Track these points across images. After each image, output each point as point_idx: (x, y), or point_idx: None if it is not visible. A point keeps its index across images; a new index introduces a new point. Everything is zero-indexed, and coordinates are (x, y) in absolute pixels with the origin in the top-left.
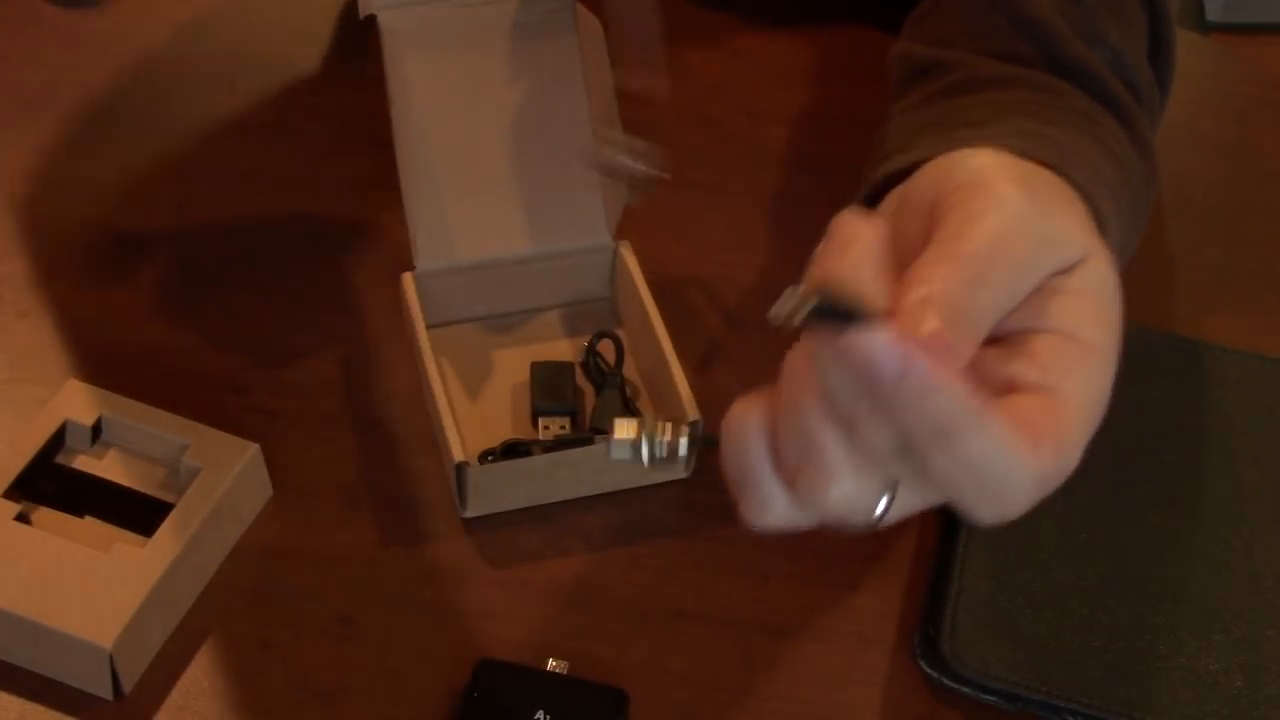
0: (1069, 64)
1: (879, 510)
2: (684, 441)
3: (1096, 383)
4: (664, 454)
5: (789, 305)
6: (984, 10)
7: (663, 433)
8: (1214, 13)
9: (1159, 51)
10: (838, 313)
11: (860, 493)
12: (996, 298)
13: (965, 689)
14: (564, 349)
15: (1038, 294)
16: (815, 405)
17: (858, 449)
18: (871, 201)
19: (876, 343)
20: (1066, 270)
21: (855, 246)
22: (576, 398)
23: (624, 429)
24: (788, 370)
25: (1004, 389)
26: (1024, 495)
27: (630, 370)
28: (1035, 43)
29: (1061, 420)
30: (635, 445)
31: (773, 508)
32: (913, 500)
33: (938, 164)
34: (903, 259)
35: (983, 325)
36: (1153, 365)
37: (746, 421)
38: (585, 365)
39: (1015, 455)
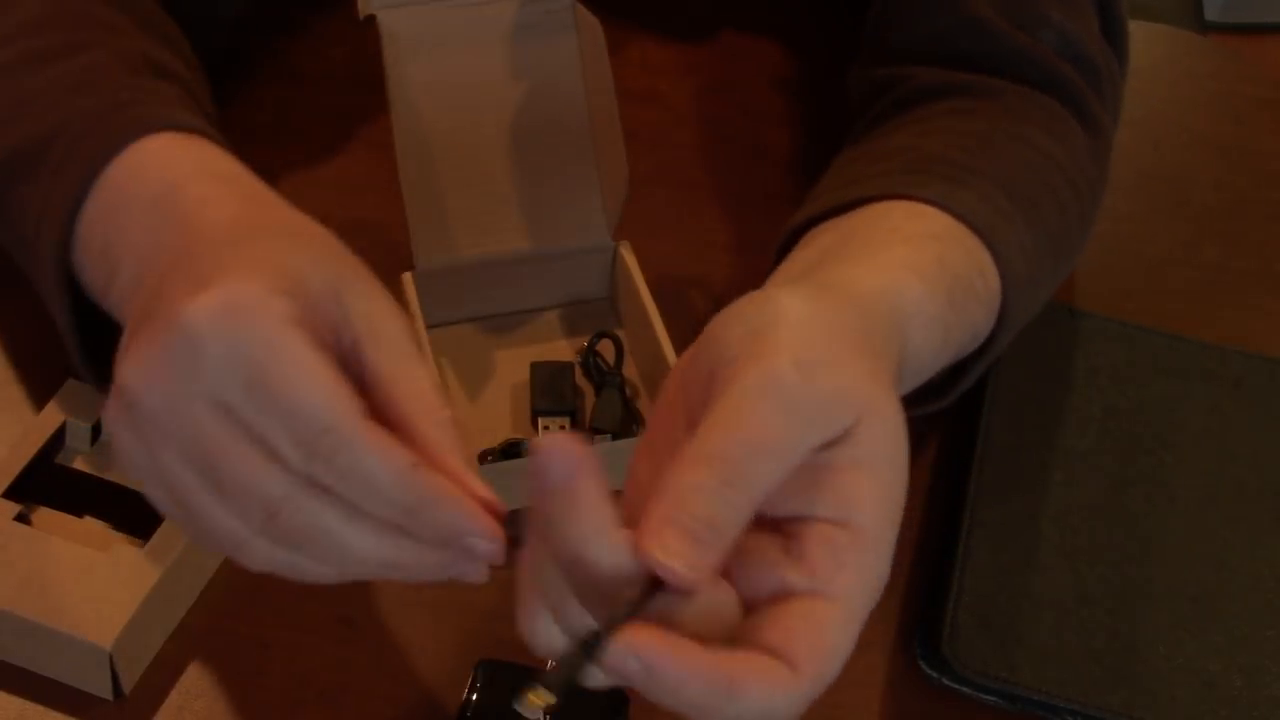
0: (1008, 56)
1: None
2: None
3: (870, 569)
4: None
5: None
6: (930, 14)
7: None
8: (1214, 13)
9: (1109, 25)
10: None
11: None
12: (752, 494)
13: (965, 689)
14: (564, 349)
15: (809, 470)
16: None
17: None
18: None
19: (622, 660)
20: (839, 439)
21: (579, 505)
22: (576, 398)
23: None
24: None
25: (776, 595)
26: (790, 716)
27: (630, 370)
28: (974, 40)
29: (827, 631)
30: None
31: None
32: None
33: (723, 320)
34: (690, 416)
35: (737, 524)
36: (1153, 365)
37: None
38: (585, 365)
39: (777, 696)
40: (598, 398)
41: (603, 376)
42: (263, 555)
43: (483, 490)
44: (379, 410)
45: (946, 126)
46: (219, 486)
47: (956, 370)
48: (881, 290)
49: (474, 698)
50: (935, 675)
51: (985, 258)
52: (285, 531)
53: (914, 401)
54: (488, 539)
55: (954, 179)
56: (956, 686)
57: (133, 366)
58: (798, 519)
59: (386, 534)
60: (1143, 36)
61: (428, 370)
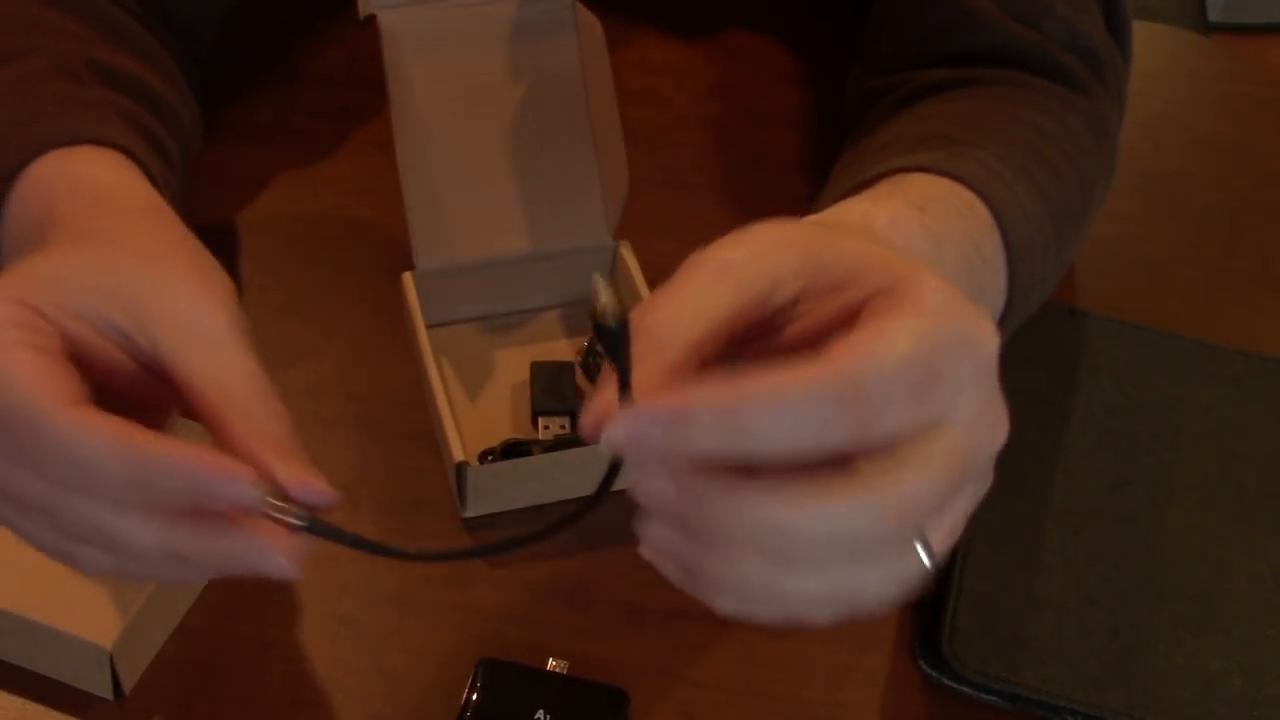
0: (1010, 47)
1: (923, 555)
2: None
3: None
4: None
5: (603, 298)
6: (931, 9)
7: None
8: (1214, 13)
9: (1113, 19)
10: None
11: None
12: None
13: (965, 689)
14: (564, 349)
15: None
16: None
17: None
18: None
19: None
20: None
21: (687, 309)
22: (576, 398)
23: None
24: None
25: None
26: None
27: None
28: (976, 33)
29: (867, 329)
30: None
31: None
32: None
33: (874, 252)
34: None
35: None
36: (1153, 365)
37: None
38: (585, 365)
39: (794, 395)
40: None
41: None
42: (92, 562)
43: (292, 470)
44: (195, 412)
45: (940, 111)
46: (9, 499)
47: None
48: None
49: (474, 698)
50: (935, 675)
51: (987, 217)
52: (73, 533)
53: None
54: (237, 482)
55: (949, 151)
56: (956, 686)
57: None
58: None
59: (160, 520)
60: (1144, 37)
61: (237, 361)
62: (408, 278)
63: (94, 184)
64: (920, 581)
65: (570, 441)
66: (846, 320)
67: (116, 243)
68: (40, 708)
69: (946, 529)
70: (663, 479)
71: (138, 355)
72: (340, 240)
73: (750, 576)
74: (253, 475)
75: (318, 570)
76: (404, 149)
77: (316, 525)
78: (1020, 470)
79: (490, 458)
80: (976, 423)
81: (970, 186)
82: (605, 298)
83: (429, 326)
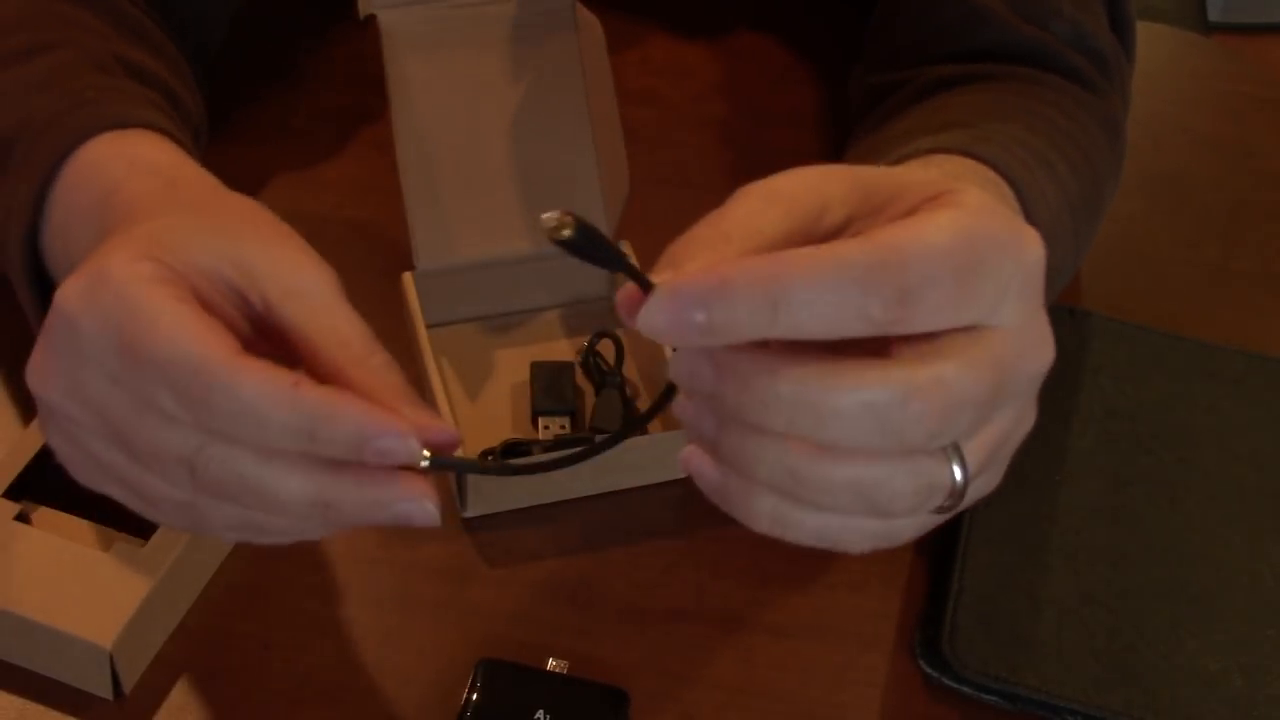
0: (1018, 46)
1: (956, 468)
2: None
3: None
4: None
5: (550, 222)
6: (937, 7)
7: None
8: (1214, 13)
9: (1118, 20)
10: (588, 249)
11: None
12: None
13: (965, 689)
14: (564, 349)
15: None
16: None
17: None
18: None
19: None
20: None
21: (732, 235)
22: (576, 398)
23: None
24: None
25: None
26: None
27: (630, 370)
28: (983, 32)
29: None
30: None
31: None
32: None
33: (920, 174)
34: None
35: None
36: (1153, 365)
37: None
38: (585, 365)
39: (826, 279)
40: (598, 398)
41: (603, 376)
42: (219, 518)
43: (419, 416)
44: (309, 367)
45: (957, 103)
46: (139, 458)
47: None
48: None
49: (474, 698)
50: (935, 675)
51: (1013, 200)
52: (212, 486)
53: None
54: (399, 436)
55: (973, 134)
56: (956, 686)
57: (31, 369)
58: None
59: (308, 470)
60: (1144, 37)
61: (347, 316)
62: (408, 278)
63: (155, 164)
64: (950, 502)
65: (570, 441)
66: None
67: (210, 213)
68: (40, 708)
69: (982, 444)
70: (701, 359)
71: (250, 315)
72: (340, 240)
73: (784, 466)
74: (411, 427)
75: (318, 570)
76: (404, 149)
77: (438, 461)
78: (1020, 470)
79: (490, 458)
80: (1020, 335)
81: (995, 168)
82: (547, 217)
83: (429, 326)
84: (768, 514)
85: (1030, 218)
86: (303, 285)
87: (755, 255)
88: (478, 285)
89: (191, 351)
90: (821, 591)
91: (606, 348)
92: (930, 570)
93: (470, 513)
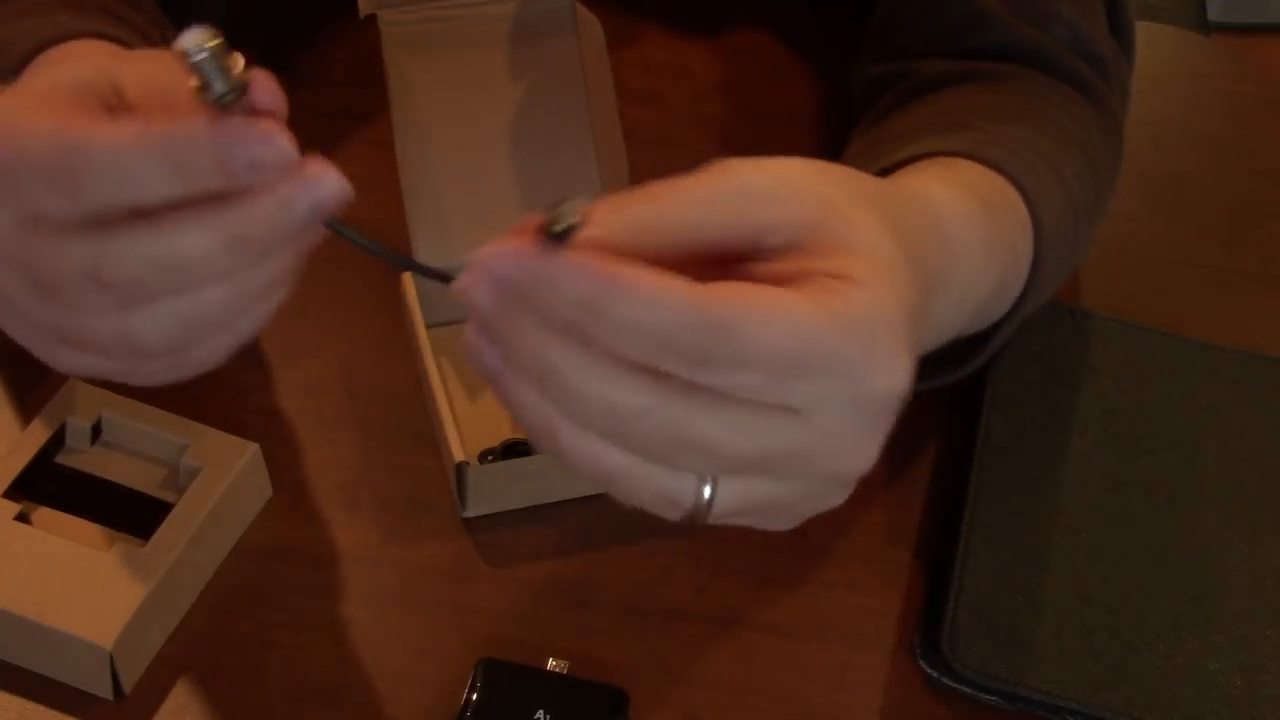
0: (1018, 48)
1: (705, 495)
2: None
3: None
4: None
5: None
6: (938, 9)
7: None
8: (1214, 13)
9: (1117, 23)
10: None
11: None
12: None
13: (965, 689)
14: None
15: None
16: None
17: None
18: None
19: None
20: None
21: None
22: None
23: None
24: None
25: None
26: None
27: None
28: (983, 34)
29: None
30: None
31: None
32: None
33: (878, 247)
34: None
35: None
36: (1153, 365)
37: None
38: None
39: (669, 299)
40: None
41: None
42: (155, 332)
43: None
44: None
45: (964, 104)
46: (51, 293)
47: (976, 340)
48: (910, 186)
49: (474, 698)
50: (935, 675)
51: (1024, 211)
52: (126, 288)
53: (933, 368)
54: (262, 138)
55: (983, 137)
56: (956, 686)
57: None
58: None
59: (202, 218)
60: (1144, 37)
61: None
62: (408, 278)
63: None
64: (692, 517)
65: None
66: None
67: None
68: (40, 708)
69: (745, 494)
70: (491, 296)
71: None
72: (340, 240)
73: (545, 359)
74: (276, 125)
75: (318, 570)
76: (404, 149)
77: (336, 223)
78: (1020, 470)
79: (490, 458)
80: (828, 439)
81: (1006, 174)
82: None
83: (429, 326)
84: (530, 407)
85: (1036, 222)
86: (155, 76)
87: (595, 257)
88: None
89: (48, 127)
90: (821, 591)
91: None
92: (930, 570)
93: (470, 513)
